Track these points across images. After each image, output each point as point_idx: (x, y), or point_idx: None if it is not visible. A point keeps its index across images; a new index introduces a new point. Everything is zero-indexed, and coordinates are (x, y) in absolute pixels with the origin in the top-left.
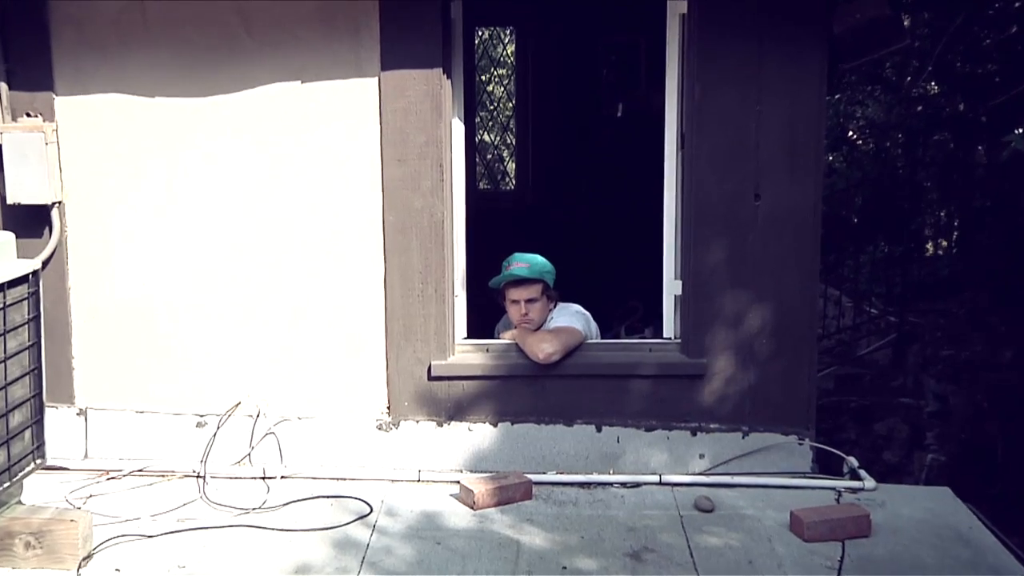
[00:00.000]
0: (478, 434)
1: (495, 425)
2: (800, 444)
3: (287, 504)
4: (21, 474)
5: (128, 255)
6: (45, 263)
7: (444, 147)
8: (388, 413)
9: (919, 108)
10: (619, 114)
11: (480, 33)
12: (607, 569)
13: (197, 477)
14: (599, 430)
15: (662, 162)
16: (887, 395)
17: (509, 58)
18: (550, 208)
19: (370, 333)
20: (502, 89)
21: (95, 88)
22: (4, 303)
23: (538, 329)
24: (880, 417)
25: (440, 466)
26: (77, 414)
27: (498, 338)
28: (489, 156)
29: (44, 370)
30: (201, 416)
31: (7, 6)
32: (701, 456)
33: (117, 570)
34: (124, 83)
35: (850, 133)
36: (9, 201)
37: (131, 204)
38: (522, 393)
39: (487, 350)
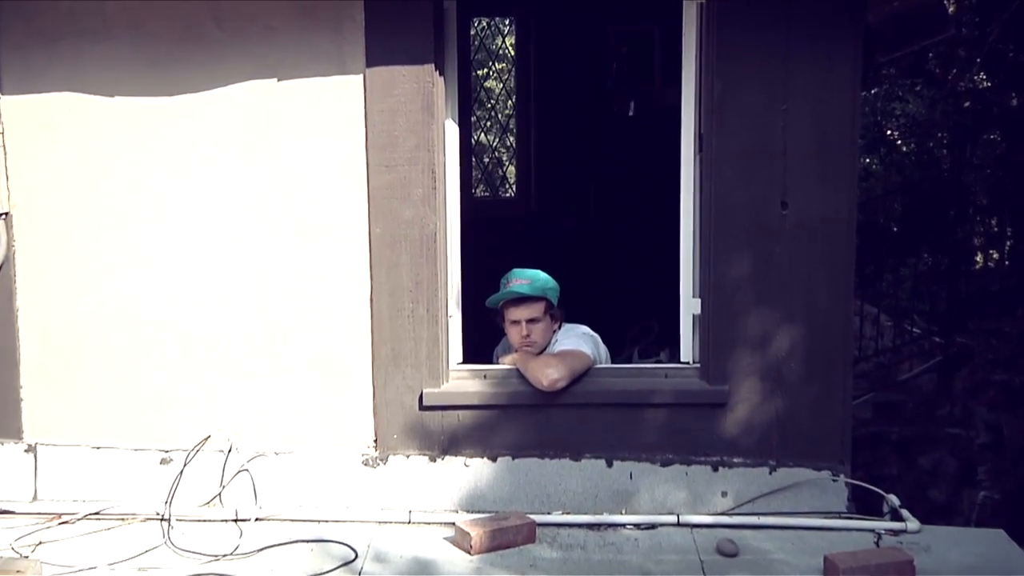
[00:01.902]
0: (475, 470)
1: (494, 460)
2: (834, 480)
3: (262, 550)
4: None
5: (84, 272)
6: None
7: (436, 151)
8: (375, 447)
9: (966, 104)
10: (631, 113)
11: (476, 24)
12: None
13: (161, 520)
14: (610, 465)
15: (678, 166)
16: (932, 425)
17: (509, 51)
18: (554, 218)
19: (355, 358)
20: (501, 86)
21: (47, 87)
22: None
23: (541, 353)
24: (925, 450)
25: (433, 506)
26: (25, 451)
27: (497, 363)
28: (487, 160)
29: None
30: (166, 452)
31: None
32: (724, 494)
33: None
34: (80, 81)
35: (889, 132)
36: None
37: (88, 215)
38: (524, 424)
39: (485, 376)
